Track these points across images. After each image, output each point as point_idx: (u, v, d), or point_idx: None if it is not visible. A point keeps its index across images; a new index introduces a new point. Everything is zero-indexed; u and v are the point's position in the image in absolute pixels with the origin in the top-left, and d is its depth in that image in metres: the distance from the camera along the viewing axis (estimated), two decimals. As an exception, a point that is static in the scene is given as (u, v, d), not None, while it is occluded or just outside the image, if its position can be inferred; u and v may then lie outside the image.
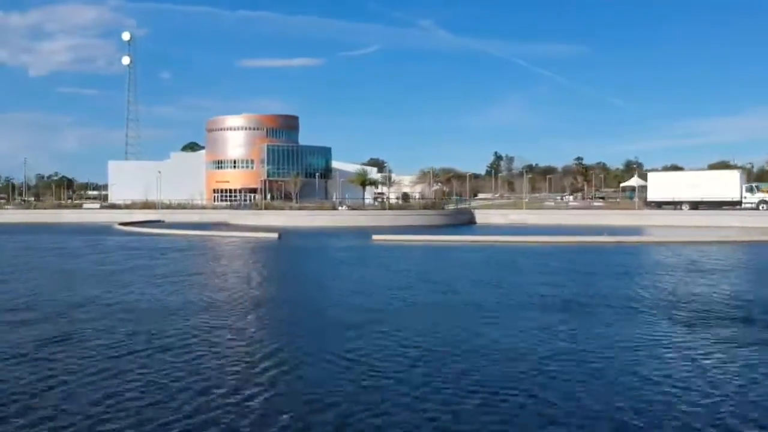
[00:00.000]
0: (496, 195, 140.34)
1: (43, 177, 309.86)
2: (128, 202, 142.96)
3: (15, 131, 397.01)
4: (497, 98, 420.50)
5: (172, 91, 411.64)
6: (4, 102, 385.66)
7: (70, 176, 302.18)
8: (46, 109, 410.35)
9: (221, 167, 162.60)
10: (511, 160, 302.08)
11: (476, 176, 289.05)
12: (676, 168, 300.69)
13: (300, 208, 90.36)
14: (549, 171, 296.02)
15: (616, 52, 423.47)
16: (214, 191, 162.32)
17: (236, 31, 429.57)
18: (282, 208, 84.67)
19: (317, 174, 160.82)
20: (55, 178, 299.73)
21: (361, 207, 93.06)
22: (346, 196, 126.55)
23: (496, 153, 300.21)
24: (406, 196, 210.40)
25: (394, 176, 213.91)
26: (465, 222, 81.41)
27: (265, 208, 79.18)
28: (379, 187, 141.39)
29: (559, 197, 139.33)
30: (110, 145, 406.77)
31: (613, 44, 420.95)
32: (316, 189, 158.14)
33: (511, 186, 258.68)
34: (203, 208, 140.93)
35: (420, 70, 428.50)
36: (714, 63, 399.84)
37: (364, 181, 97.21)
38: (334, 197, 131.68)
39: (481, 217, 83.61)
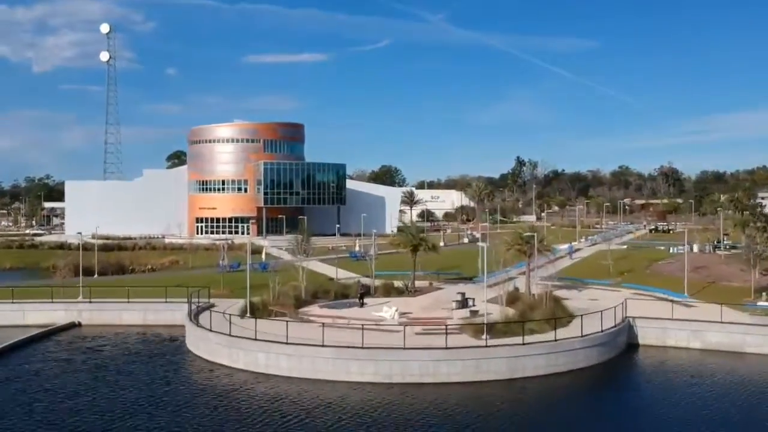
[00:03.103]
0: (588, 245, 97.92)
1: (33, 180, 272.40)
2: (85, 237, 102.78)
3: (18, 129, 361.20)
4: (506, 95, 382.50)
5: (177, 88, 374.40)
6: (7, 99, 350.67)
7: (65, 178, 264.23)
8: (49, 106, 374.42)
9: (206, 190, 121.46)
10: (534, 165, 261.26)
11: (492, 180, 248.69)
12: (717, 174, 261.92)
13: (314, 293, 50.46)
14: (580, 178, 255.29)
15: (628, 46, 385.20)
16: (198, 220, 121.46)
17: (241, 25, 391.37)
18: (283, 310, 44.58)
19: (328, 198, 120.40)
20: (47, 180, 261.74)
21: (414, 290, 53.11)
22: (374, 231, 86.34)
23: (518, 158, 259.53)
24: (430, 215, 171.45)
25: (416, 192, 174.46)
26: (621, 350, 41.06)
27: (252, 322, 39.04)
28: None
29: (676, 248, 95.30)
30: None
31: (625, 38, 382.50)
32: (328, 218, 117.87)
33: (539, 195, 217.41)
34: (180, 248, 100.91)
35: (430, 67, 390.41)
36: (728, 57, 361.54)
37: (416, 246, 56.26)
38: (357, 246, 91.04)
39: (647, 333, 43.02)
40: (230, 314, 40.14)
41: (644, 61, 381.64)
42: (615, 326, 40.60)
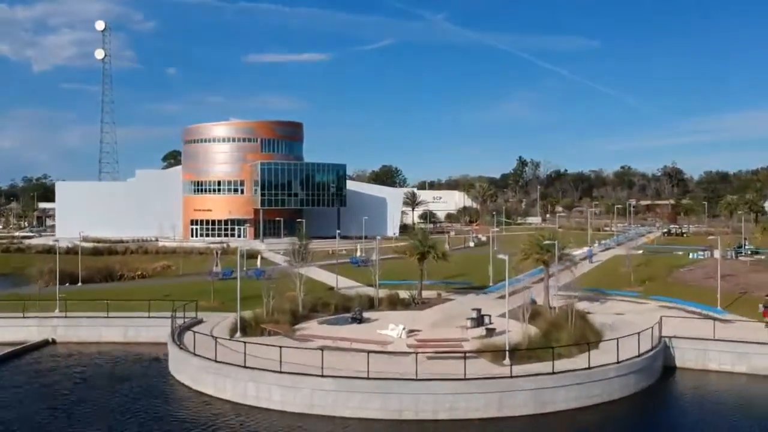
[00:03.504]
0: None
1: (31, 180, 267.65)
2: (74, 240, 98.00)
3: (17, 128, 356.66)
4: (507, 95, 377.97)
5: (177, 88, 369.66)
6: (6, 98, 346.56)
7: (64, 178, 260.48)
8: (49, 106, 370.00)
9: (201, 191, 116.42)
10: (537, 165, 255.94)
11: (493, 180, 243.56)
12: (725, 174, 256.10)
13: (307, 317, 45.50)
14: (583, 178, 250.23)
15: (629, 46, 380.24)
16: (192, 222, 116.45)
17: (241, 25, 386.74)
18: (277, 330, 39.77)
19: (328, 199, 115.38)
20: (44, 180, 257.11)
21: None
22: (378, 238, 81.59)
23: (520, 158, 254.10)
24: (432, 217, 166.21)
25: (417, 193, 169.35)
26: (658, 375, 36.07)
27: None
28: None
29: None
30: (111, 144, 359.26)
31: (625, 38, 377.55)
32: (327, 220, 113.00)
33: (543, 196, 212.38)
34: (173, 252, 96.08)
35: (431, 67, 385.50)
36: (729, 56, 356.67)
37: (424, 254, 51.48)
38: (358, 252, 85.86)
39: (685, 355, 38.04)
40: (216, 337, 35.01)
41: (644, 60, 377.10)
42: (653, 349, 35.61)
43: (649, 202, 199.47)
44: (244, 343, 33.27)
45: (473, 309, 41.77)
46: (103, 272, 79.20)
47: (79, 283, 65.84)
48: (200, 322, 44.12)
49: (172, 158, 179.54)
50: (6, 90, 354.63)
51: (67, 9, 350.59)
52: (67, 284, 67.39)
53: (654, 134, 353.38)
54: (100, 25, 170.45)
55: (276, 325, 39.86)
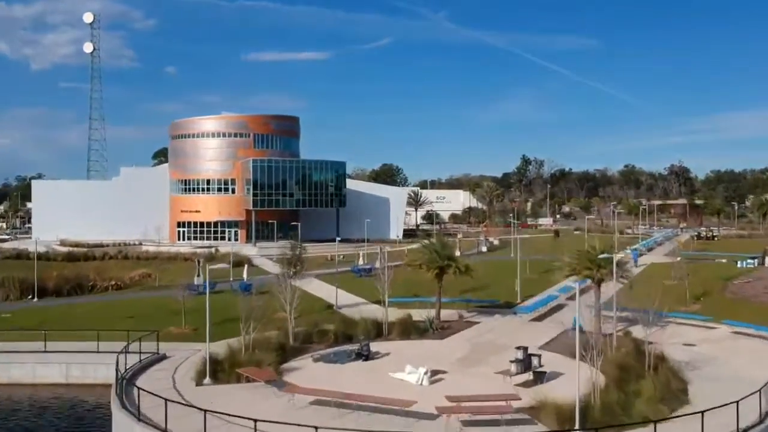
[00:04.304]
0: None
1: (25, 179, 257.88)
2: (46, 243, 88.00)
3: (15, 127, 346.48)
4: (508, 94, 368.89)
5: (176, 87, 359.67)
6: (5, 97, 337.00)
7: (58, 177, 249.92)
8: (48, 105, 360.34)
9: (189, 190, 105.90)
10: (540, 164, 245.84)
11: (494, 179, 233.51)
12: (733, 173, 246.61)
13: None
14: (588, 177, 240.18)
15: (630, 45, 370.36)
16: (179, 224, 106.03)
17: (240, 23, 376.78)
18: (257, 378, 29.45)
19: (326, 199, 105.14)
20: (38, 179, 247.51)
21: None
22: (384, 250, 71.62)
23: (523, 156, 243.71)
24: (436, 218, 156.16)
25: (421, 192, 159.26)
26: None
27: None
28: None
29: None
30: (112, 143, 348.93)
31: (626, 37, 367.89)
32: (326, 222, 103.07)
33: (549, 196, 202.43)
34: (155, 258, 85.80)
35: (431, 65, 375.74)
36: (731, 56, 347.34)
37: (443, 268, 41.43)
38: (360, 259, 75.46)
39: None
40: (166, 399, 24.33)
41: (645, 60, 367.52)
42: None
43: (660, 201, 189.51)
44: (204, 411, 22.84)
45: (517, 348, 31.32)
46: (74, 282, 68.93)
47: (35, 299, 55.73)
48: (163, 358, 34.01)
49: (162, 156, 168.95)
50: (4, 89, 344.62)
51: (66, 7, 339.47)
52: (30, 297, 57.63)
53: (655, 133, 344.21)
54: (88, 18, 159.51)
55: (256, 369, 29.60)
